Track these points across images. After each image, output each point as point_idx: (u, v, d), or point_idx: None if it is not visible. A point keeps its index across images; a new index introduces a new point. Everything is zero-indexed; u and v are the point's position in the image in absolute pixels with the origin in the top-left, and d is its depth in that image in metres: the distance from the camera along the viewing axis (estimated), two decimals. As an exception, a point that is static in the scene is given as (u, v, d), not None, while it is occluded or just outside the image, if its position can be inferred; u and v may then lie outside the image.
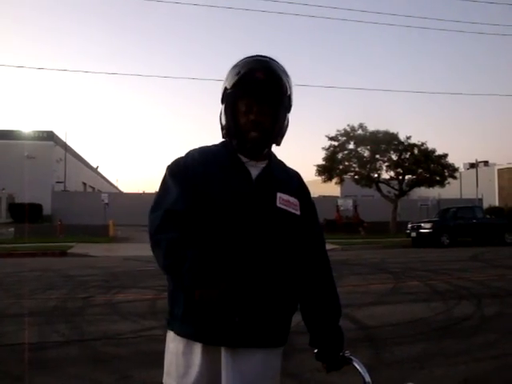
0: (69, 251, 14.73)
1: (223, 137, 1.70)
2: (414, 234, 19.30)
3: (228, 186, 1.59)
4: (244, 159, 1.64)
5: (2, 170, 30.74)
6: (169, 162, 1.69)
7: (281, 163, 1.79)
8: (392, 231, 25.08)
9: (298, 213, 1.66)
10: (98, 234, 20.69)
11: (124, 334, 5.13)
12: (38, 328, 5.30)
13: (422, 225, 19.12)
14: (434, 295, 7.55)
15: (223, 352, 1.53)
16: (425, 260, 13.32)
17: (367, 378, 1.52)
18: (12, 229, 21.09)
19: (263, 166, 1.67)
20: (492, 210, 32.97)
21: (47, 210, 29.63)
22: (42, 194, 29.61)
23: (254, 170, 1.64)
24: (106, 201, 24.97)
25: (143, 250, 13.29)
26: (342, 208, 27.67)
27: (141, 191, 34.12)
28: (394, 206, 26.30)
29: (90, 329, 5.35)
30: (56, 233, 20.84)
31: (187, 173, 1.60)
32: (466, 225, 19.19)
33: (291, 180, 1.75)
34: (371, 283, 8.87)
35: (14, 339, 4.90)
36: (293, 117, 1.74)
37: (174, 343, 1.62)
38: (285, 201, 1.64)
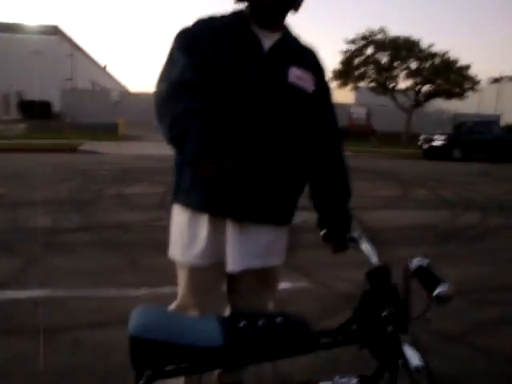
0: (79, 148, 14.82)
1: (235, 3, 1.55)
2: (425, 146, 19.02)
3: (237, 57, 1.47)
4: (256, 29, 1.50)
5: (7, 66, 30.04)
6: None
7: (297, 37, 1.64)
8: (404, 142, 24.80)
9: (311, 89, 1.56)
10: (108, 132, 20.65)
11: (134, 223, 5.32)
12: (51, 216, 5.46)
13: (435, 137, 18.76)
14: (440, 204, 7.61)
15: (228, 224, 1.52)
16: (435, 171, 13.29)
17: (374, 260, 1.51)
18: (22, 125, 21.09)
19: (277, 37, 1.53)
20: (510, 127, 32.14)
21: (56, 107, 29.39)
22: (50, 92, 29.19)
23: (267, 41, 1.51)
24: (116, 99, 24.61)
25: (154, 148, 13.37)
26: (354, 116, 27.15)
27: (151, 90, 33.33)
28: (408, 117, 25.71)
29: (102, 218, 5.52)
30: (66, 130, 20.85)
31: (194, 43, 1.47)
32: (481, 140, 18.72)
33: (307, 54, 1.63)
34: (379, 189, 8.91)
35: (28, 224, 5.07)
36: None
37: (179, 216, 1.61)
38: (297, 75, 1.53)
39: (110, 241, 4.57)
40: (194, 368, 1.27)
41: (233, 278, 1.70)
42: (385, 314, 1.42)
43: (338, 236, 1.62)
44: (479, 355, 2.64)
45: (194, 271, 1.58)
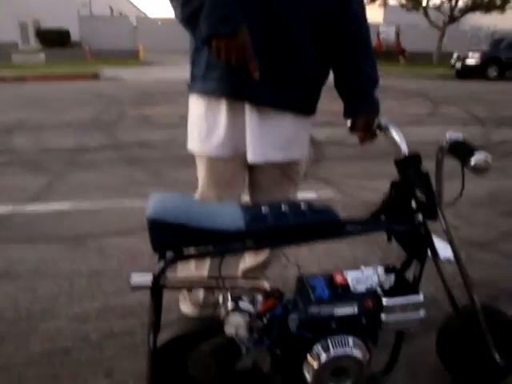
0: (100, 75, 14.66)
1: None
2: (458, 65, 17.94)
3: None
4: None
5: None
6: None
7: None
8: (435, 62, 23.52)
9: None
10: (128, 58, 20.29)
11: (157, 141, 5.32)
12: (75, 136, 5.49)
13: (470, 55, 17.62)
14: (472, 120, 7.29)
15: (247, 109, 1.44)
16: (467, 90, 12.64)
17: (403, 148, 1.42)
18: (43, 54, 20.83)
19: None
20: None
21: (75, 35, 28.75)
22: (67, 19, 28.40)
23: None
24: (135, 24, 23.89)
25: (175, 72, 13.12)
26: (383, 35, 25.69)
27: (169, 16, 32.05)
28: (441, 34, 24.13)
29: (124, 137, 5.53)
30: (86, 58, 20.55)
31: None
32: (520, 58, 17.48)
33: None
34: (407, 107, 8.58)
35: (53, 144, 5.12)
36: None
37: (196, 106, 1.53)
38: None
39: (134, 157, 4.59)
40: (215, 251, 1.25)
41: (254, 172, 1.65)
42: (414, 202, 1.36)
43: (365, 123, 1.52)
44: (505, 261, 2.60)
45: (213, 162, 1.53)
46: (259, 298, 1.30)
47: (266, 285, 1.31)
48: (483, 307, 1.47)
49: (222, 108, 1.45)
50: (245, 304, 1.23)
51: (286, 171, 1.62)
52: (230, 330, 1.19)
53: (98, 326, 1.93)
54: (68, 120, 6.58)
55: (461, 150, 1.23)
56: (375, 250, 2.65)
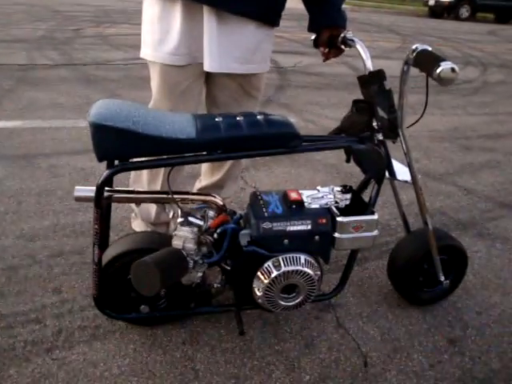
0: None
1: None
2: (432, 2, 17.54)
3: None
4: None
5: None
6: None
7: None
8: (409, -2, 22.96)
9: None
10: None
11: (115, 61, 5.03)
12: (26, 53, 5.09)
13: (444, -7, 17.22)
14: (440, 58, 7.26)
15: (205, 13, 1.32)
16: (438, 29, 12.49)
17: (368, 64, 1.35)
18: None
19: None
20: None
21: None
22: None
23: None
24: None
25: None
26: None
27: None
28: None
29: (80, 55, 5.17)
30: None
31: None
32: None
33: None
34: (376, 40, 8.42)
35: (1, 60, 4.72)
36: None
37: (150, 9, 1.39)
38: None
39: (89, 77, 4.31)
40: (164, 162, 1.18)
41: (211, 87, 1.56)
42: (375, 120, 1.32)
43: (330, 37, 1.43)
44: (460, 192, 2.67)
45: (167, 70, 1.42)
46: (211, 213, 1.26)
47: (219, 200, 1.27)
48: (434, 230, 1.49)
49: (177, 11, 1.32)
50: (194, 217, 1.19)
51: (244, 86, 1.53)
52: (177, 242, 1.15)
53: (47, 245, 1.86)
54: (18, 35, 6.07)
55: (427, 61, 1.17)
56: (335, 177, 2.65)
